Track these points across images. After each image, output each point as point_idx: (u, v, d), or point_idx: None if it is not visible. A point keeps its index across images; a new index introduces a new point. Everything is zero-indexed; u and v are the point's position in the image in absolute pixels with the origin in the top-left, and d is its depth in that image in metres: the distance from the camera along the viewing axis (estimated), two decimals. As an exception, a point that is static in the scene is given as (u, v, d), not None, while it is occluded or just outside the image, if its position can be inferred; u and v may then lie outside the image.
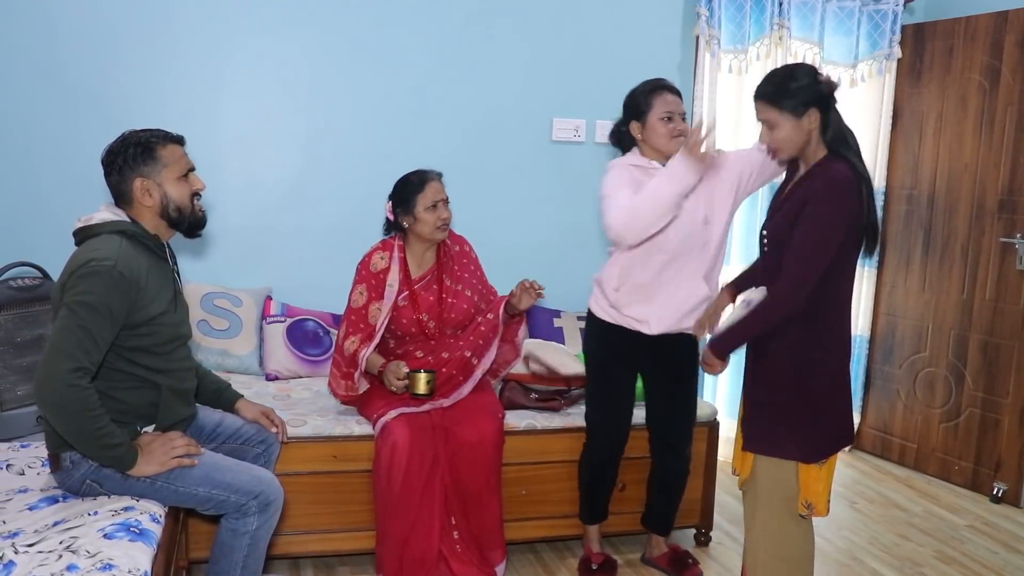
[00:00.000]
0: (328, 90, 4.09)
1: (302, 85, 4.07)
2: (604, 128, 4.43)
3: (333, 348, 3.39)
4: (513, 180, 4.36)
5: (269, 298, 4.03)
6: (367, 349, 3.19)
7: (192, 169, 2.60)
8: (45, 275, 3.42)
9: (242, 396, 2.97)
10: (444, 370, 3.22)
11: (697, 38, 4.41)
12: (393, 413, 3.12)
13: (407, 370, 3.13)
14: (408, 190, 3.22)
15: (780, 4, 4.44)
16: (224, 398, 2.93)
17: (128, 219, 2.50)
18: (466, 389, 3.27)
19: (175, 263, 2.67)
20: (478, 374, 3.29)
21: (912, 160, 4.66)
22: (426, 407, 3.16)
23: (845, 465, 4.73)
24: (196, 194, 2.60)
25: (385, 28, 4.11)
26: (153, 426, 2.52)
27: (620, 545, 3.61)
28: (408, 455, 3.02)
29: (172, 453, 2.45)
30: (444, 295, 3.30)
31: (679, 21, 4.51)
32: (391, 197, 3.28)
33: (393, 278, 3.23)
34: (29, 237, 3.72)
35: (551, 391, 3.52)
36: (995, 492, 4.27)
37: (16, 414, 3.19)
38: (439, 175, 3.28)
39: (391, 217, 3.28)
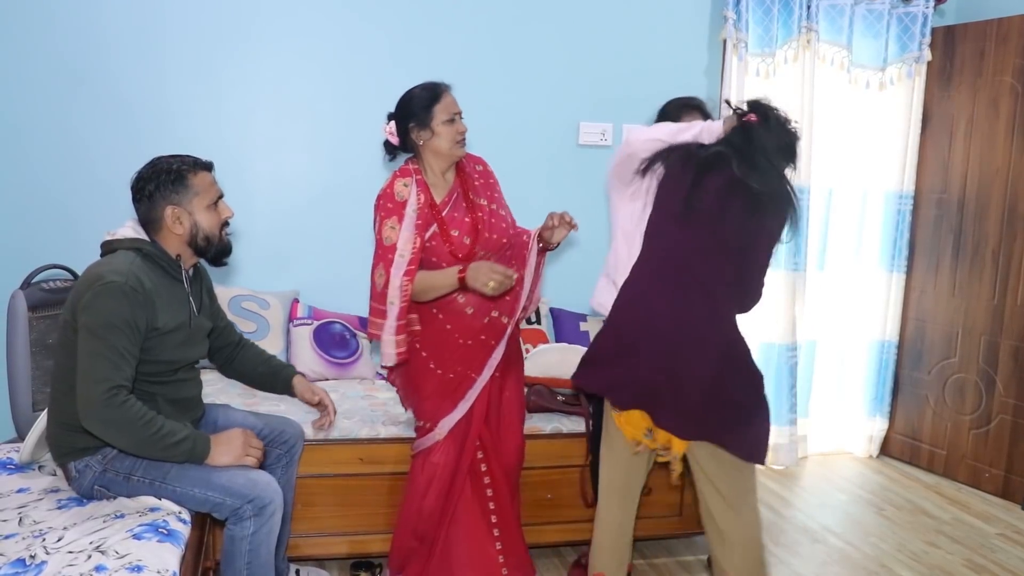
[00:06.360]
0: (356, 93, 4.11)
1: (330, 88, 4.10)
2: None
3: (369, 297, 2.97)
4: (540, 184, 4.36)
5: (296, 301, 4.05)
6: (396, 273, 2.85)
7: (221, 196, 2.61)
8: (76, 278, 3.45)
9: (300, 374, 2.99)
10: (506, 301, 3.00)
11: (724, 42, 4.39)
12: (444, 429, 2.97)
13: (501, 271, 2.79)
14: (422, 103, 2.90)
15: (808, 7, 4.41)
16: (281, 379, 2.96)
17: (148, 239, 2.52)
18: (498, 355, 3.02)
19: (191, 286, 2.63)
20: (509, 331, 3.05)
21: (942, 164, 4.62)
22: (472, 396, 2.98)
23: (873, 471, 4.70)
24: (225, 223, 2.62)
25: (413, 32, 4.13)
26: None
27: (645, 549, 3.60)
28: (448, 483, 2.96)
29: (251, 452, 2.52)
30: (478, 212, 3.00)
31: (706, 25, 4.49)
32: (397, 116, 2.95)
33: (411, 208, 2.89)
34: (61, 240, 3.77)
35: (577, 393, 3.51)
36: (1027, 500, 4.22)
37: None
38: (449, 86, 2.99)
39: (395, 140, 2.98)
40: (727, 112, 2.55)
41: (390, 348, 2.88)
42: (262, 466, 2.60)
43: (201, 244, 2.56)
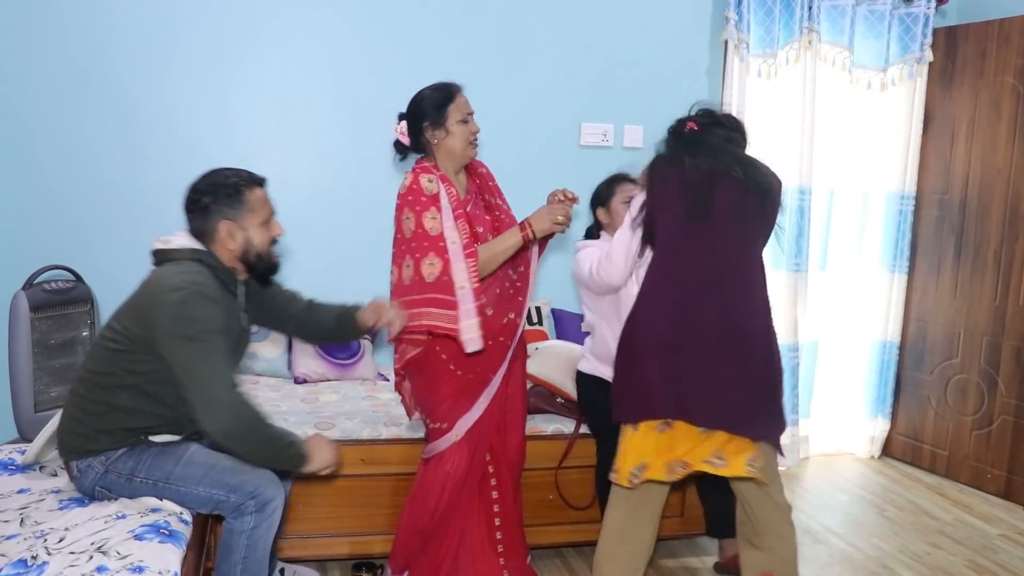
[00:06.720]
0: (359, 95, 4.11)
1: (334, 89, 4.10)
2: (632, 133, 4.44)
3: (398, 290, 2.90)
4: (541, 185, 4.30)
5: (298, 302, 4.04)
6: (456, 258, 2.80)
7: (273, 213, 2.59)
8: (78, 278, 3.46)
9: (359, 308, 2.90)
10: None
11: (726, 42, 4.38)
12: (461, 429, 2.92)
13: (558, 205, 2.90)
14: (436, 102, 2.91)
15: (810, 7, 4.40)
16: (351, 323, 2.89)
17: (205, 248, 2.50)
18: (510, 354, 3.00)
19: (246, 303, 2.64)
20: (519, 331, 3.04)
21: (944, 165, 4.61)
22: (488, 395, 2.95)
23: (875, 472, 4.69)
24: (274, 240, 2.61)
25: (415, 34, 4.13)
26: (164, 436, 2.52)
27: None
28: (460, 486, 2.93)
29: (337, 457, 2.50)
30: (496, 212, 3.07)
31: (707, 25, 4.49)
32: (409, 115, 2.94)
33: (444, 200, 2.87)
34: (63, 241, 3.77)
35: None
36: (1029, 501, 4.22)
37: (49, 415, 3.22)
38: (461, 87, 3.00)
39: (407, 140, 2.96)
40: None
41: (475, 331, 2.79)
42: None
43: (252, 260, 2.55)
